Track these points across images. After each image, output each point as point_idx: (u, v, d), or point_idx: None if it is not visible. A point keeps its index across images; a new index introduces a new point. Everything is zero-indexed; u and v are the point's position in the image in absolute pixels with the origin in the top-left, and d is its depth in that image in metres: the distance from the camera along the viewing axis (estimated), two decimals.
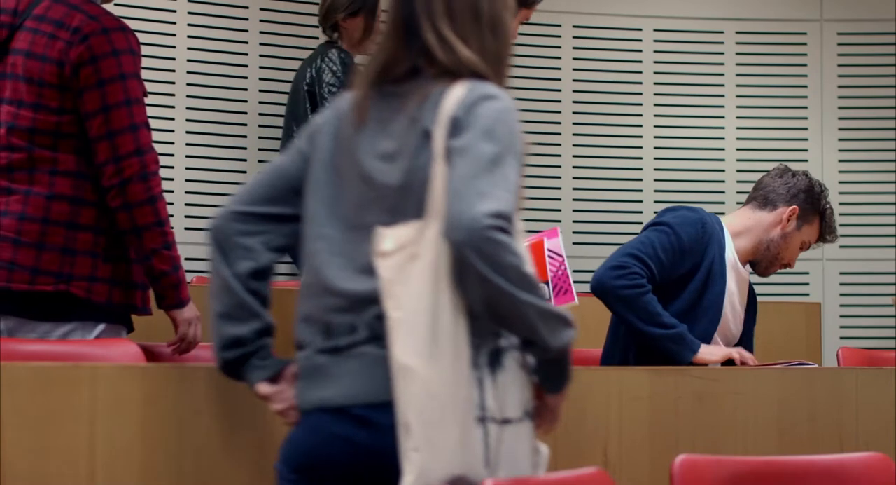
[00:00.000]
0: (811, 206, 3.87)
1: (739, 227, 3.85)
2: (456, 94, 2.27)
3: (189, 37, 5.97)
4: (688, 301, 3.71)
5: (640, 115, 6.59)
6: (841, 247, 6.46)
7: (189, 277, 5.74)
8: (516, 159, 2.23)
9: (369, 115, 2.34)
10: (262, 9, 6.08)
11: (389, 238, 2.21)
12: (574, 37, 6.48)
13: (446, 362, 2.16)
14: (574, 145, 6.51)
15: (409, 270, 2.18)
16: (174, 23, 5.94)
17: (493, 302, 2.15)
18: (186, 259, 5.83)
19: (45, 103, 3.32)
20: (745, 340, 3.91)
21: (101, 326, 3.33)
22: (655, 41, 6.62)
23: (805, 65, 6.63)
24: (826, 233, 3.91)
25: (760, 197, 3.89)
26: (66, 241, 3.30)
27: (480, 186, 2.15)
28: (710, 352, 3.63)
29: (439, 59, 2.32)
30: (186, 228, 5.89)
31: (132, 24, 5.79)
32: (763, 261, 3.87)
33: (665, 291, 3.66)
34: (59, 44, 3.32)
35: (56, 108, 3.32)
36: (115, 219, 3.31)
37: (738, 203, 6.53)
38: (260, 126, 6.07)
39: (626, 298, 3.60)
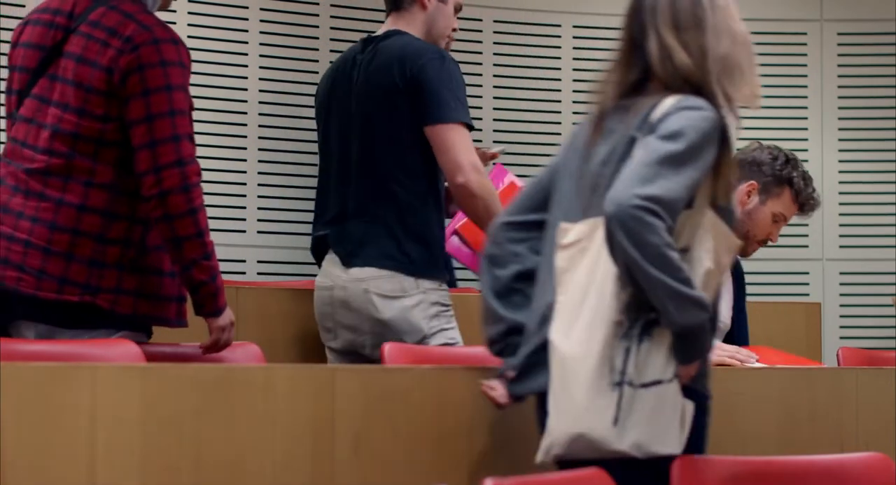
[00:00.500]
0: (773, 178, 3.80)
1: None
2: (664, 105, 2.52)
3: (189, 37, 5.97)
4: None
5: None
6: (841, 247, 6.47)
7: None
8: (696, 165, 2.46)
9: (603, 126, 2.61)
10: (262, 9, 6.08)
11: (571, 233, 2.52)
12: (574, 37, 6.48)
13: (579, 338, 2.45)
14: None
15: (577, 260, 2.49)
16: (174, 23, 5.94)
17: (631, 274, 2.39)
18: None
19: (90, 109, 3.34)
20: (739, 321, 3.90)
21: (123, 333, 3.34)
22: None
23: (805, 65, 6.63)
24: (803, 202, 3.82)
25: None
26: (95, 253, 3.32)
27: (645, 172, 2.39)
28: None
29: (657, 70, 2.58)
30: None
31: None
32: None
33: None
34: (110, 51, 3.34)
35: (101, 115, 3.34)
36: (155, 228, 3.33)
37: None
38: (260, 126, 6.07)
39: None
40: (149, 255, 3.38)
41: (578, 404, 2.44)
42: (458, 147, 3.81)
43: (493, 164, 4.55)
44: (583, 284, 2.47)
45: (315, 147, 6.23)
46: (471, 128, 3.87)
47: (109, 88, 3.33)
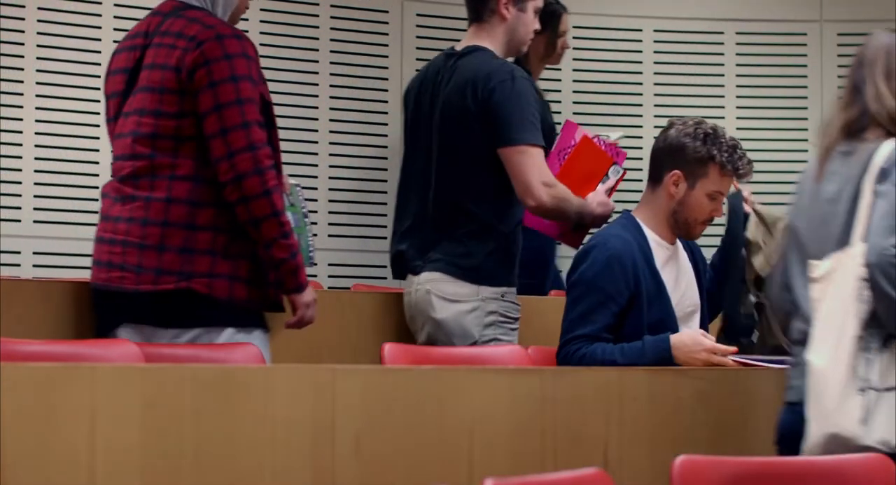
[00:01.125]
0: (696, 159, 3.71)
1: (647, 212, 3.79)
2: (885, 150, 2.93)
3: None
4: (640, 319, 3.68)
5: (641, 115, 6.60)
6: None
7: None
8: None
9: (826, 168, 3.02)
10: (262, 9, 6.09)
11: (820, 268, 2.92)
12: (574, 37, 6.47)
13: (828, 353, 2.86)
14: None
15: (827, 291, 2.90)
16: None
17: (885, 310, 2.83)
18: None
19: (165, 109, 3.51)
20: (713, 298, 3.91)
21: (229, 331, 3.49)
22: (655, 42, 6.63)
23: (805, 66, 6.63)
24: (731, 169, 3.71)
25: (650, 172, 3.80)
26: (185, 241, 3.46)
27: (892, 222, 2.84)
28: (683, 351, 3.56)
29: (873, 112, 3.01)
30: None
31: (131, 26, 5.83)
32: (681, 230, 3.79)
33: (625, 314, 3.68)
34: (176, 52, 3.51)
35: (175, 112, 3.50)
36: (233, 212, 3.47)
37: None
38: None
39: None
40: (240, 240, 3.50)
41: (831, 408, 2.83)
42: (527, 168, 3.97)
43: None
44: (833, 311, 2.89)
45: (312, 147, 6.27)
46: (542, 147, 4.02)
47: (180, 86, 3.49)
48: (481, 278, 4.01)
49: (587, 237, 4.02)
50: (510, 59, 4.25)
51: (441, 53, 4.25)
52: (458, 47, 4.17)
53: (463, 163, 4.05)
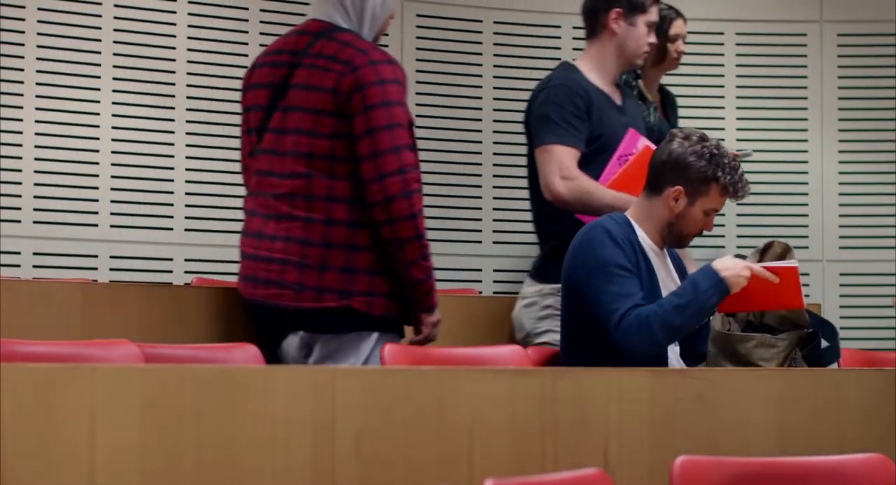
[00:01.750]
0: (699, 178, 3.75)
1: (640, 217, 3.82)
2: None
3: (189, 38, 5.97)
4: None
5: None
6: (841, 248, 6.47)
7: (189, 278, 5.77)
8: None
9: None
10: (262, 10, 6.08)
11: None
12: (574, 38, 6.47)
13: None
14: None
15: None
16: (174, 23, 5.95)
17: None
18: (186, 260, 5.87)
19: (320, 130, 3.70)
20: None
21: (375, 335, 3.73)
22: None
23: (805, 66, 6.62)
24: (731, 191, 3.76)
25: (649, 180, 3.83)
26: (347, 261, 3.68)
27: None
28: (731, 271, 3.63)
29: None
30: (186, 230, 5.89)
31: (130, 26, 5.84)
32: (672, 241, 3.84)
33: None
34: (332, 75, 3.70)
35: (330, 133, 3.68)
36: (379, 231, 3.67)
37: (737, 204, 6.54)
38: None
39: (658, 340, 3.62)
40: (389, 258, 3.72)
41: None
42: (544, 167, 4.33)
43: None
44: None
45: None
46: (564, 144, 4.33)
47: (336, 108, 3.67)
48: (544, 276, 4.35)
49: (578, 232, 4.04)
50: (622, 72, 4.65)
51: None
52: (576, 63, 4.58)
53: (529, 168, 4.48)
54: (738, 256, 3.77)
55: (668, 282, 3.82)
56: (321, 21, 3.82)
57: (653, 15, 4.50)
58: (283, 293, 3.66)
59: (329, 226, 3.66)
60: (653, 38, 4.53)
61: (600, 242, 3.69)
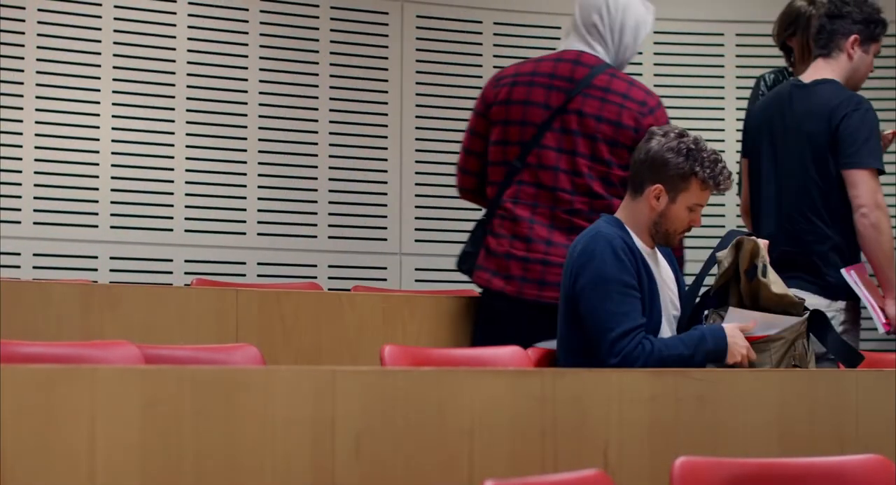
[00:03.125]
0: (678, 175, 3.74)
1: (627, 218, 3.81)
2: None
3: (189, 39, 5.97)
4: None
5: None
6: None
7: (188, 279, 5.77)
8: None
9: None
10: (262, 11, 6.09)
11: None
12: None
13: None
14: None
15: None
16: (174, 24, 5.95)
17: None
18: (186, 261, 5.88)
19: (617, 160, 4.16)
20: (692, 311, 3.92)
21: None
22: (655, 43, 6.62)
23: None
24: (712, 184, 3.74)
25: (631, 181, 3.83)
26: None
27: None
28: (735, 342, 3.65)
29: None
30: (186, 231, 5.90)
31: (132, 27, 5.84)
32: (660, 240, 3.82)
33: None
34: (630, 113, 4.20)
35: (624, 164, 4.06)
36: None
37: (737, 205, 6.53)
38: (260, 128, 6.08)
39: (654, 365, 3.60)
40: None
41: None
42: (862, 188, 4.45)
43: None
44: None
45: (313, 149, 6.26)
46: (881, 171, 4.50)
47: (632, 144, 4.02)
48: (835, 293, 4.50)
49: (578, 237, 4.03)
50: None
51: (787, 82, 4.77)
52: (806, 79, 4.64)
53: (816, 182, 4.52)
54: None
55: (663, 287, 3.82)
56: (587, 53, 4.28)
57: (879, 45, 4.77)
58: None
59: None
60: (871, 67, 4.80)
61: (601, 255, 3.67)
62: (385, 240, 6.24)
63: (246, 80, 6.04)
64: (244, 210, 6.00)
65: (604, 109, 4.18)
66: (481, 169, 4.36)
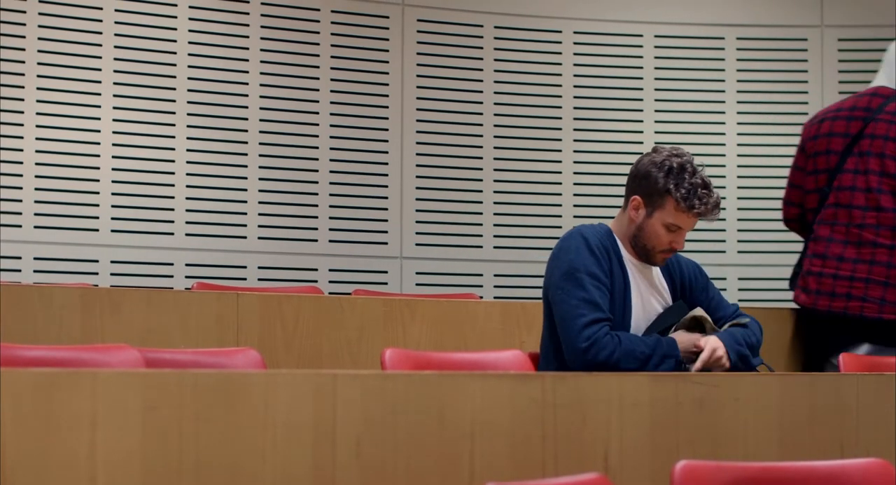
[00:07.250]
0: (654, 189, 3.75)
1: (617, 228, 3.84)
2: None
3: (190, 43, 5.98)
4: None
5: (641, 121, 6.60)
6: None
7: (189, 282, 5.77)
8: None
9: None
10: (263, 15, 6.09)
11: None
12: (575, 43, 6.48)
13: None
14: (575, 151, 6.51)
15: None
16: (175, 28, 5.95)
17: None
18: (186, 265, 5.88)
19: None
20: (721, 313, 3.91)
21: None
22: (656, 47, 6.63)
23: (806, 71, 6.63)
24: (685, 206, 3.72)
25: (625, 192, 3.86)
26: None
27: None
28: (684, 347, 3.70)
29: None
30: (187, 235, 5.90)
31: (133, 31, 5.84)
32: (640, 254, 3.82)
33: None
34: None
35: None
36: None
37: (738, 209, 6.52)
38: (260, 132, 6.08)
39: (614, 364, 3.60)
40: None
41: None
42: None
43: None
44: None
45: (313, 153, 6.26)
46: None
47: None
48: None
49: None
50: None
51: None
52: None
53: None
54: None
55: (649, 296, 3.82)
56: (885, 86, 4.79)
57: None
58: (865, 306, 4.56)
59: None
60: None
61: (576, 249, 3.72)
62: (385, 244, 6.25)
63: (247, 84, 6.05)
64: (245, 214, 6.00)
65: (891, 130, 4.68)
66: (802, 200, 4.91)
